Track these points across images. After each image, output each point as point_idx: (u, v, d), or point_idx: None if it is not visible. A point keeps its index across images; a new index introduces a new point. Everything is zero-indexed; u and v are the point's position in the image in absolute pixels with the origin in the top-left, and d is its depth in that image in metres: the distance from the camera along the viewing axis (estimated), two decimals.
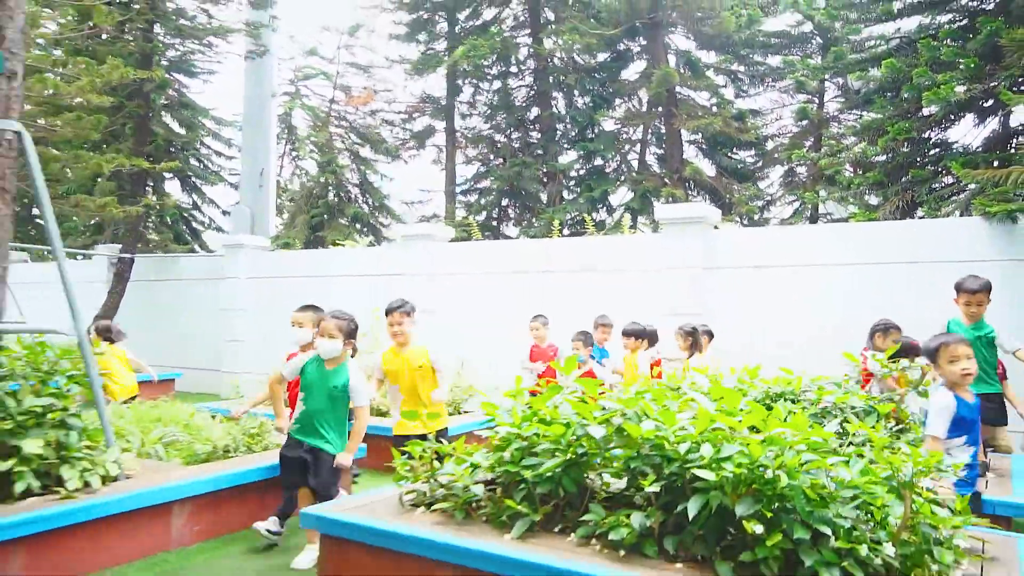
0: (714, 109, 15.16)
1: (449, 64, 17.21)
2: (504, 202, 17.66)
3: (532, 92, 17.52)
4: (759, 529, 2.83)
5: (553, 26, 16.15)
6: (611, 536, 3.20)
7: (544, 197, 16.96)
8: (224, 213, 20.70)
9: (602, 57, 15.83)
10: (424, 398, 5.30)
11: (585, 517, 3.37)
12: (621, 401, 3.58)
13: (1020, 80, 9.95)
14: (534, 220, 16.07)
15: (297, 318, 5.24)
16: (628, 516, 3.22)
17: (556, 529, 3.46)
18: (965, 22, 11.21)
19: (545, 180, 16.35)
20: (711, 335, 7.53)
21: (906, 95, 11.14)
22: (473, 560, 3.33)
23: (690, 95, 15.37)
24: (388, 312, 5.28)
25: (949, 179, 11.03)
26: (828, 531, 2.83)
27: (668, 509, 3.23)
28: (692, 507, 3.01)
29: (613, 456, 3.49)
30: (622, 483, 3.59)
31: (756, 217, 14.96)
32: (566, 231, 15.23)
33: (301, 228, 16.82)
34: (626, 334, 7.32)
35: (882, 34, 13.09)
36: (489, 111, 18.16)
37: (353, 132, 18.84)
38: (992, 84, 9.93)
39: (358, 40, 19.18)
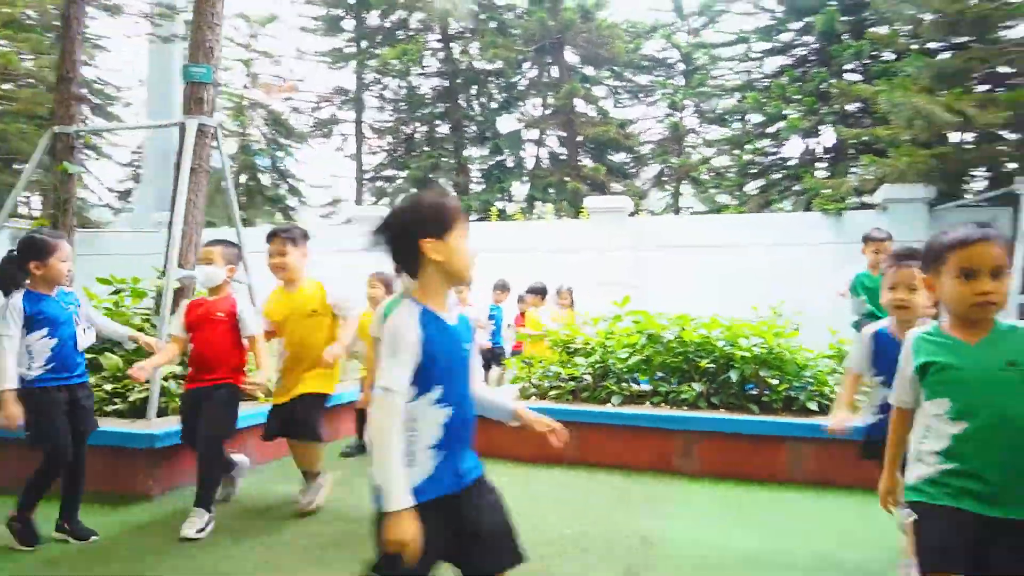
0: (598, 118, 18.03)
1: (359, 60, 18.70)
2: (412, 190, 19.40)
3: (441, 91, 19.39)
4: (775, 381, 5.35)
5: (467, 36, 18.20)
6: (682, 396, 5.57)
7: (450, 187, 18.95)
8: (110, 191, 20.65)
9: (512, 67, 18.05)
10: (315, 359, 4.09)
11: (661, 388, 5.72)
12: (672, 320, 5.97)
13: (842, 115, 13.63)
14: None
15: (206, 253, 4.21)
16: (690, 385, 5.62)
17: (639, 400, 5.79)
18: (803, 70, 14.83)
19: (455, 172, 18.36)
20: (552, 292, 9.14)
21: (758, 119, 14.63)
22: (593, 418, 5.54)
23: (580, 104, 18.08)
24: (269, 239, 4.17)
25: (789, 182, 14.67)
26: (811, 381, 5.41)
27: (713, 380, 5.65)
28: (734, 375, 5.46)
29: (679, 352, 5.84)
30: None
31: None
32: (473, 217, 17.35)
33: (220, 208, 17.44)
34: (530, 291, 8.61)
35: (741, 69, 16.66)
36: (404, 106, 19.75)
37: (268, 118, 19.61)
38: (821, 116, 13.56)
39: (270, 30, 19.92)
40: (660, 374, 5.98)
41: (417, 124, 19.92)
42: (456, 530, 2.00)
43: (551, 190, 17.11)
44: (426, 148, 19.17)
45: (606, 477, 5.11)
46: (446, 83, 19.07)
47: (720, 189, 16.07)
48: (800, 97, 13.29)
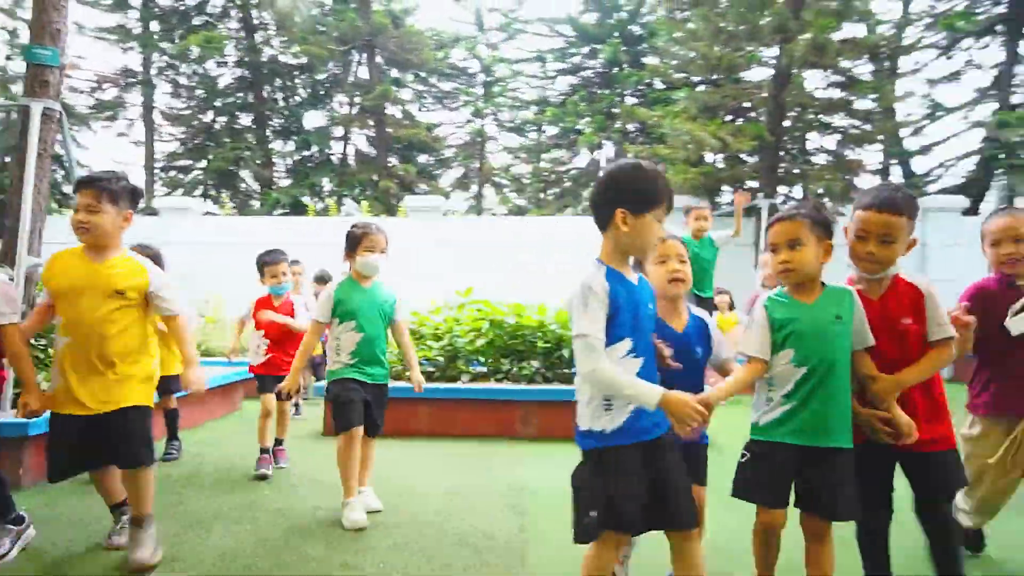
0: (406, 120, 18.79)
1: (147, 42, 17.65)
2: (210, 181, 18.64)
3: (242, 81, 18.83)
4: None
5: (271, 28, 17.93)
6: (522, 373, 6.59)
7: (252, 179, 18.59)
8: None
9: (321, 64, 18.09)
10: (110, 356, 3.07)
11: (503, 367, 6.69)
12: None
13: (624, 133, 15.72)
14: (254, 199, 17.73)
15: None
16: (529, 363, 6.64)
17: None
18: (592, 91, 16.79)
19: (261, 165, 18.01)
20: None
21: (553, 131, 16.33)
22: (446, 394, 6.36)
23: (389, 106, 18.67)
24: (76, 189, 3.17)
25: (581, 189, 16.54)
26: None
27: (547, 358, 6.73)
28: (565, 352, 6.57)
29: (517, 335, 6.85)
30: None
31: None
32: (279, 211, 17.23)
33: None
34: (315, 279, 8.53)
35: (536, 84, 18.33)
36: (201, 93, 18.84)
37: None
38: (609, 132, 15.55)
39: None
40: (502, 354, 6.94)
41: (216, 114, 19.17)
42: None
43: (361, 187, 17.52)
44: (227, 139, 18.57)
45: (464, 445, 5.90)
46: (247, 73, 18.59)
47: (519, 194, 17.66)
48: (591, 115, 15.17)
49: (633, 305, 2.18)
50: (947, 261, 11.02)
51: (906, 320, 2.41)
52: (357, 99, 18.49)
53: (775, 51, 11.85)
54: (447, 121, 20.52)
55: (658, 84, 16.22)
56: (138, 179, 19.71)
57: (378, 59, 18.17)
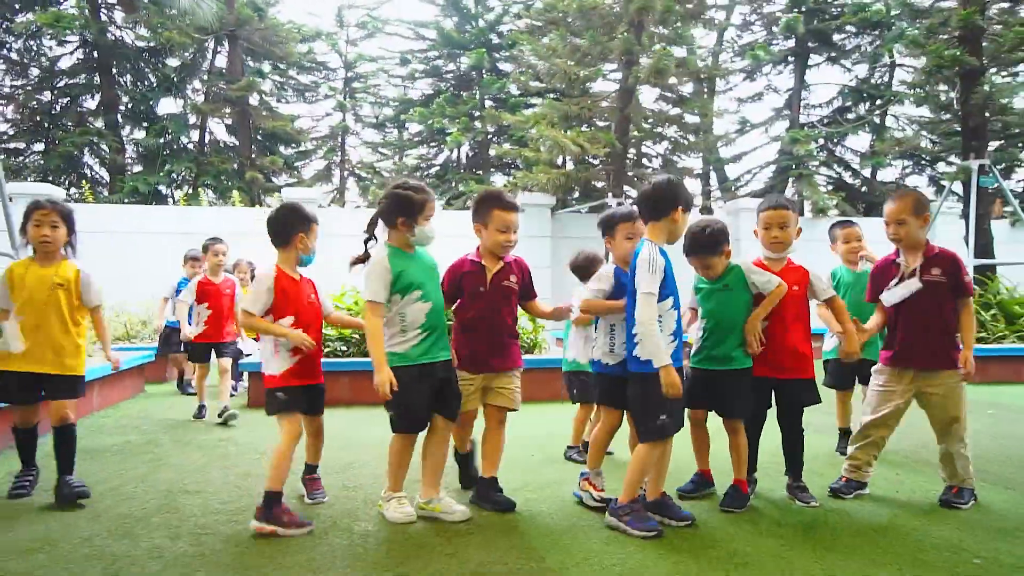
0: (267, 112, 18.87)
1: None
2: (52, 166, 17.58)
3: (87, 64, 17.92)
4: None
5: (118, 9, 17.30)
6: None
7: (99, 166, 17.83)
8: None
9: (180, 50, 17.66)
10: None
11: None
12: None
13: (486, 134, 17.04)
14: (102, 187, 17.06)
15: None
16: None
17: None
18: (456, 93, 17.99)
19: (112, 151, 17.29)
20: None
21: (416, 128, 17.31)
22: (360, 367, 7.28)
23: (251, 96, 18.65)
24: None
25: (443, 184, 17.69)
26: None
27: None
28: None
29: None
30: None
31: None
32: (133, 199, 16.74)
33: None
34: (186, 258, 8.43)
35: (398, 84, 19.19)
36: (37, 72, 17.67)
37: None
38: (475, 133, 16.81)
39: None
40: None
41: (56, 95, 18.10)
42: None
43: (222, 177, 17.44)
44: (68, 123, 17.62)
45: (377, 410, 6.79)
46: (95, 54, 17.74)
47: (382, 188, 18.43)
48: (456, 116, 16.36)
49: (672, 273, 3.22)
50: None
51: (795, 287, 3.73)
52: (214, 88, 18.29)
53: (620, 70, 13.74)
54: (306, 114, 20.81)
55: (513, 90, 17.75)
56: None
57: (238, 49, 18.08)
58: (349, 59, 19.95)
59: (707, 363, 3.63)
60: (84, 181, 17.22)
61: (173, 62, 18.51)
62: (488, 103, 17.69)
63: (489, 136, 17.69)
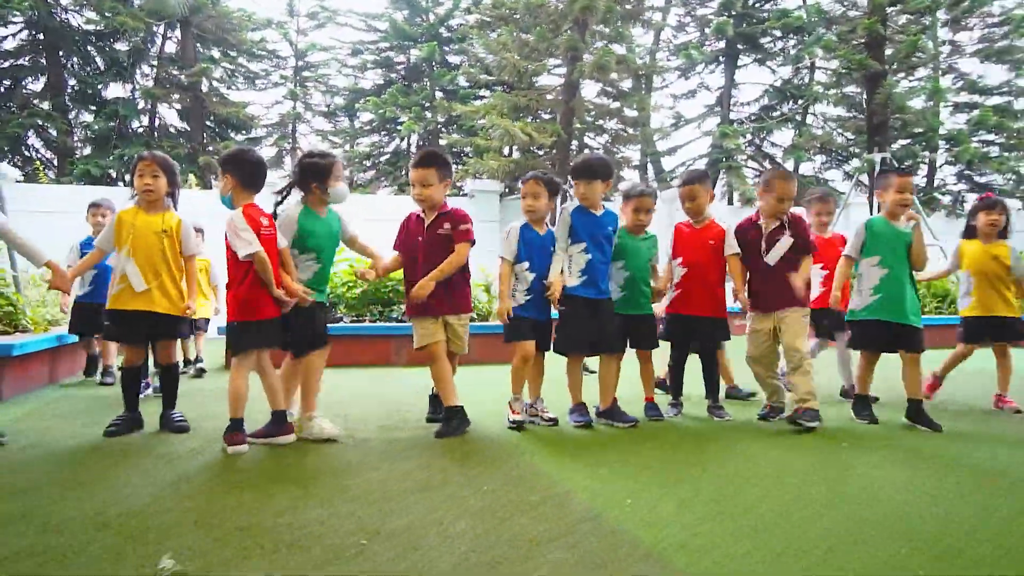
0: (218, 98, 19.13)
1: None
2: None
3: (35, 45, 17.83)
4: None
5: None
6: (393, 315, 8.46)
7: (44, 148, 17.76)
8: None
9: (130, 35, 17.73)
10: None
11: (376, 311, 8.50)
12: None
13: (439, 124, 17.77)
14: (59, 169, 17.03)
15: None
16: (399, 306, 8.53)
17: None
18: (407, 84, 18.61)
19: (60, 133, 17.29)
20: None
21: (367, 117, 17.89)
22: (338, 331, 8.05)
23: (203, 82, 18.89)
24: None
25: (394, 170, 18.31)
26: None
27: None
28: None
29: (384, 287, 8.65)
30: None
31: None
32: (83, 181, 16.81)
33: None
34: None
35: (349, 73, 19.68)
36: None
37: None
38: (426, 122, 17.51)
39: None
40: (373, 301, 8.70)
41: None
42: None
43: (178, 161, 17.66)
44: (10, 103, 17.52)
45: (356, 371, 7.58)
46: (40, 36, 17.67)
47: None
48: (409, 107, 17.04)
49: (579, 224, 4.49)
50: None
51: (711, 241, 4.72)
52: (164, 73, 18.45)
53: (563, 65, 14.69)
54: (257, 101, 21.09)
55: (462, 81, 18.53)
56: None
57: (190, 35, 18.27)
58: (300, 48, 20.34)
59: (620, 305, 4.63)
60: (36, 163, 17.16)
61: (122, 46, 18.55)
62: (438, 94, 18.41)
63: (439, 125, 18.42)
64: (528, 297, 4.37)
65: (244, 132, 20.07)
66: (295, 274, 3.96)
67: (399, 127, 17.38)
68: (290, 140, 20.54)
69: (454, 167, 18.50)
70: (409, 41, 19.11)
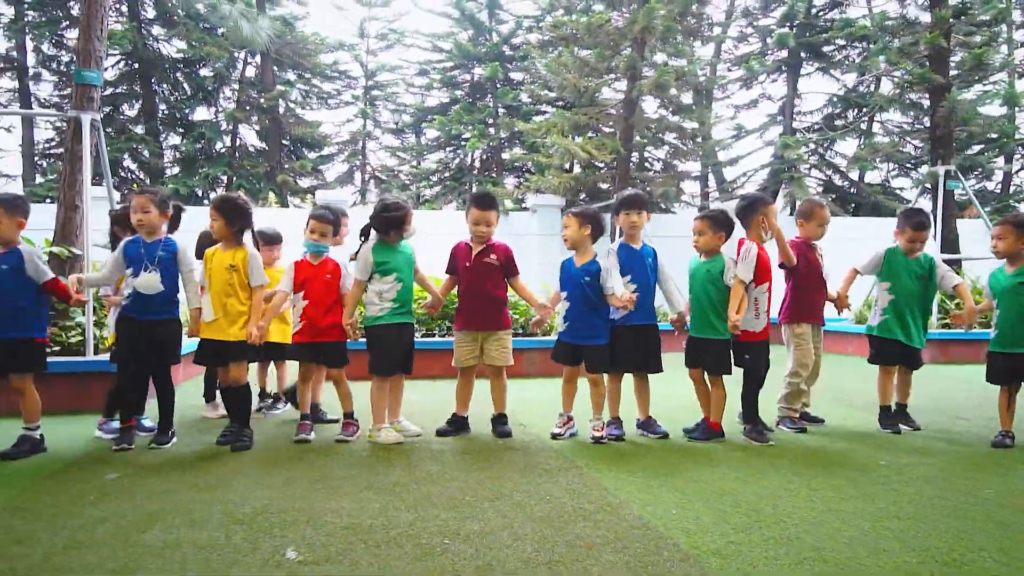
0: (294, 119, 20.23)
1: (21, 28, 17.77)
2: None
3: (132, 74, 19.27)
4: (517, 317, 9.12)
5: (158, 22, 18.67)
6: None
7: (137, 169, 19.15)
8: None
9: (214, 60, 18.98)
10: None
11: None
12: None
13: (500, 140, 18.29)
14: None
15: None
16: None
17: None
18: (471, 101, 19.23)
19: (152, 156, 18.63)
20: None
21: (433, 134, 18.57)
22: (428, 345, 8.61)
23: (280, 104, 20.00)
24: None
25: (460, 186, 18.98)
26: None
27: None
28: None
29: None
30: None
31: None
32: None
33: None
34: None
35: (416, 92, 20.50)
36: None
37: None
38: (490, 138, 18.10)
39: None
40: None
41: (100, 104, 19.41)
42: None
43: (255, 180, 18.78)
44: (108, 129, 18.96)
45: (425, 383, 8.10)
46: (135, 66, 19.08)
47: (402, 190, 19.76)
48: (473, 124, 17.67)
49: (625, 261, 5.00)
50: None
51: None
52: (245, 96, 19.62)
53: (624, 81, 14.99)
54: (329, 120, 22.18)
55: (524, 98, 19.05)
56: (14, 166, 19.46)
57: (269, 61, 19.39)
58: (370, 69, 21.27)
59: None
60: (134, 184, 18.55)
61: (206, 72, 19.83)
62: (501, 111, 18.99)
63: (502, 141, 18.99)
64: (567, 323, 4.89)
65: (317, 150, 21.12)
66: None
67: (463, 143, 18.04)
68: (360, 157, 21.48)
69: (516, 181, 19.06)
70: (473, 60, 19.77)
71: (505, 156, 19.25)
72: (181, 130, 19.58)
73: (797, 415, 5.21)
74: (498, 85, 19.41)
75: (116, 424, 4.79)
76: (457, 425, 5.06)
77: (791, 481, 3.80)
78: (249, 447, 4.53)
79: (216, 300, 4.51)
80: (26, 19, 18.42)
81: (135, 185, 18.41)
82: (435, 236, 14.04)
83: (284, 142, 20.42)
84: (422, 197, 19.99)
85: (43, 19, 18.42)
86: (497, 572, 2.58)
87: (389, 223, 4.69)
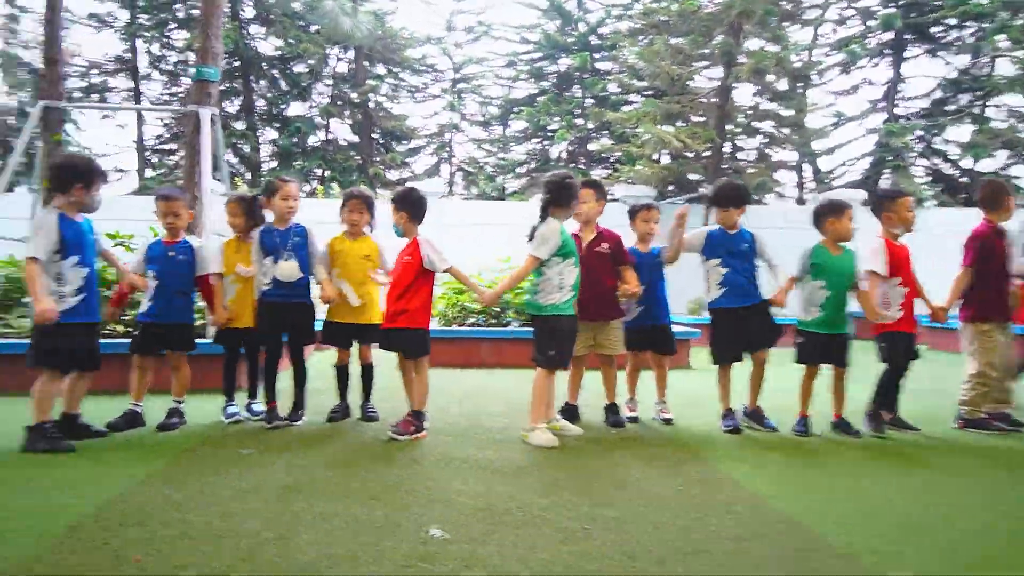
0: (384, 112, 20.69)
1: (132, 30, 18.81)
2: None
3: (233, 72, 20.16)
4: None
5: (257, 22, 19.43)
6: None
7: (237, 163, 19.99)
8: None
9: (307, 57, 19.65)
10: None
11: None
12: None
13: (590, 131, 18.13)
14: (251, 182, 19.22)
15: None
16: None
17: None
18: (558, 92, 19.13)
19: (251, 150, 19.47)
20: None
21: (521, 125, 18.56)
22: (501, 335, 8.61)
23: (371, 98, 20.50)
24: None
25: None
26: None
27: None
28: None
29: None
30: None
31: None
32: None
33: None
34: None
35: (504, 84, 20.56)
36: (189, 82, 19.94)
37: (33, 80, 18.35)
38: (579, 129, 17.96)
39: None
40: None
41: None
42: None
43: (347, 172, 19.33)
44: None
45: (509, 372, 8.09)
46: (235, 64, 19.92)
47: (489, 181, 19.93)
48: (560, 115, 17.61)
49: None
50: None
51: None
52: (337, 91, 20.21)
53: (718, 68, 14.61)
54: (415, 113, 22.57)
55: (612, 88, 18.82)
56: (130, 161, 20.73)
57: (360, 56, 19.89)
58: (457, 61, 21.53)
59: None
60: (233, 178, 19.41)
61: (300, 68, 20.51)
62: (588, 101, 18.86)
63: (590, 132, 18.87)
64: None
65: (405, 143, 21.53)
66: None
67: (551, 135, 18.04)
68: (448, 149, 21.79)
69: (605, 172, 18.86)
70: (560, 51, 19.69)
71: (592, 147, 19.11)
72: (277, 125, 20.33)
73: (984, 415, 4.93)
74: (586, 75, 19.26)
75: (234, 408, 4.98)
76: (569, 414, 5.03)
77: (944, 483, 3.59)
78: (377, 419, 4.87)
79: (356, 287, 4.72)
80: (138, 22, 19.49)
81: (236, 180, 19.25)
82: (520, 227, 14.00)
83: (373, 135, 20.90)
84: (508, 188, 20.11)
85: (153, 22, 19.45)
86: (643, 559, 2.53)
87: (572, 190, 4.39)
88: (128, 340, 4.95)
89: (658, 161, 15.49)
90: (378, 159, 19.81)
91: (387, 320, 4.51)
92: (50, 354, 4.00)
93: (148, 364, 4.71)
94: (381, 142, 21.03)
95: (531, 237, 4.44)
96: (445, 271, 4.49)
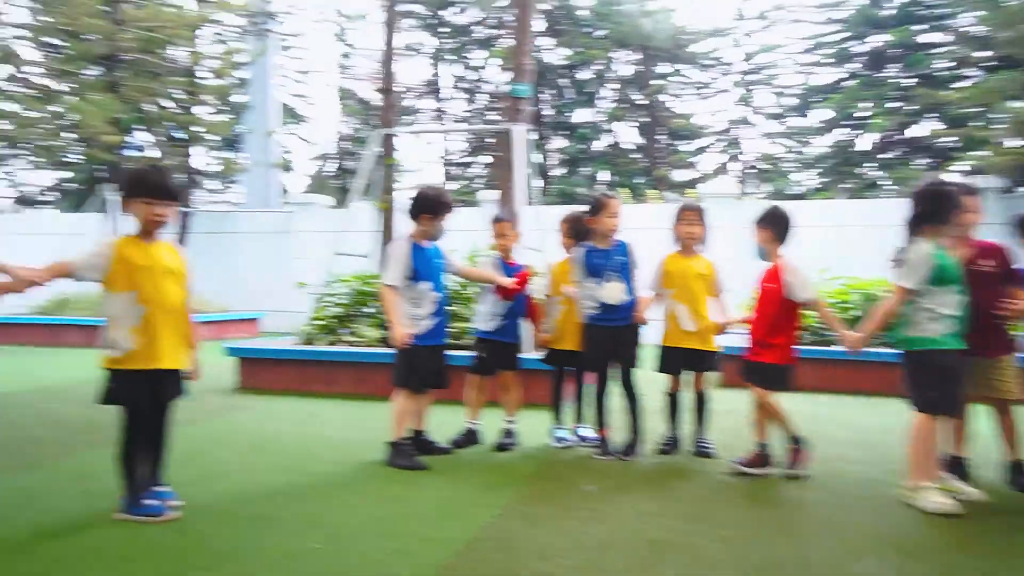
0: (668, 112, 20.16)
1: (437, 56, 20.51)
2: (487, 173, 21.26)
3: None
4: None
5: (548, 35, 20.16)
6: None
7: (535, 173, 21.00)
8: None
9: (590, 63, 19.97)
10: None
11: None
12: None
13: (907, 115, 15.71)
14: (543, 190, 20.11)
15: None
16: None
17: None
18: (869, 74, 16.94)
19: (541, 159, 20.26)
20: None
21: (821, 115, 16.69)
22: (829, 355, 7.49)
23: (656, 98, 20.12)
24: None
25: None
26: None
27: None
28: None
29: None
30: None
31: None
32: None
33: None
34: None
35: (800, 72, 18.79)
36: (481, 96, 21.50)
37: (362, 107, 21.20)
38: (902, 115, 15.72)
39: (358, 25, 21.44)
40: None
41: (493, 114, 21.77)
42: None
43: (634, 176, 19.16)
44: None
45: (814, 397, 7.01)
46: None
47: (783, 178, 18.28)
48: (872, 99, 15.51)
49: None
50: None
51: None
52: (623, 94, 20.13)
53: None
54: (699, 110, 21.62)
55: (939, 64, 16.13)
56: (437, 175, 22.91)
57: (648, 57, 19.63)
58: (748, 52, 20.18)
59: None
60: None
61: (585, 75, 20.81)
62: (909, 81, 16.36)
63: (910, 117, 16.37)
64: None
65: (690, 142, 20.75)
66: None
67: (862, 124, 15.94)
68: (737, 146, 20.53)
69: (933, 162, 16.23)
70: (870, 28, 17.37)
71: (912, 134, 16.57)
72: (564, 132, 20.85)
73: None
74: (906, 52, 16.73)
75: (563, 432, 4.85)
76: (955, 469, 4.07)
77: None
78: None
79: (693, 309, 4.43)
80: (443, 47, 21.34)
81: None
82: (822, 228, 12.46)
83: (658, 136, 20.47)
84: (806, 186, 18.29)
85: (455, 45, 21.14)
86: None
87: (949, 206, 3.61)
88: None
89: (1001, 144, 12.81)
90: (663, 160, 19.32)
91: (752, 352, 4.12)
92: (407, 375, 4.20)
93: (484, 382, 4.79)
94: (667, 143, 20.50)
95: (896, 261, 3.67)
96: (805, 301, 3.99)
